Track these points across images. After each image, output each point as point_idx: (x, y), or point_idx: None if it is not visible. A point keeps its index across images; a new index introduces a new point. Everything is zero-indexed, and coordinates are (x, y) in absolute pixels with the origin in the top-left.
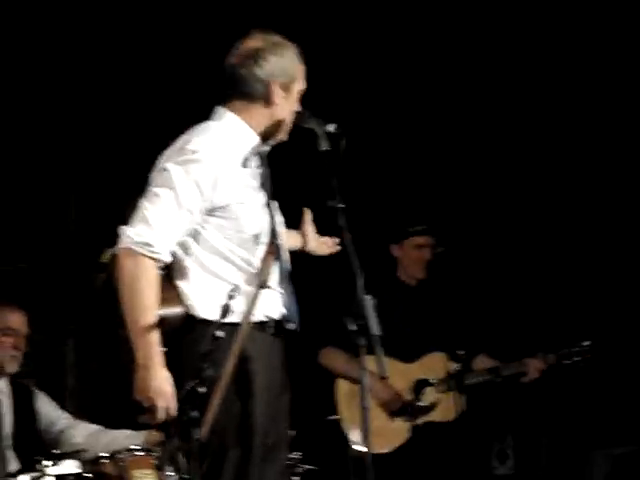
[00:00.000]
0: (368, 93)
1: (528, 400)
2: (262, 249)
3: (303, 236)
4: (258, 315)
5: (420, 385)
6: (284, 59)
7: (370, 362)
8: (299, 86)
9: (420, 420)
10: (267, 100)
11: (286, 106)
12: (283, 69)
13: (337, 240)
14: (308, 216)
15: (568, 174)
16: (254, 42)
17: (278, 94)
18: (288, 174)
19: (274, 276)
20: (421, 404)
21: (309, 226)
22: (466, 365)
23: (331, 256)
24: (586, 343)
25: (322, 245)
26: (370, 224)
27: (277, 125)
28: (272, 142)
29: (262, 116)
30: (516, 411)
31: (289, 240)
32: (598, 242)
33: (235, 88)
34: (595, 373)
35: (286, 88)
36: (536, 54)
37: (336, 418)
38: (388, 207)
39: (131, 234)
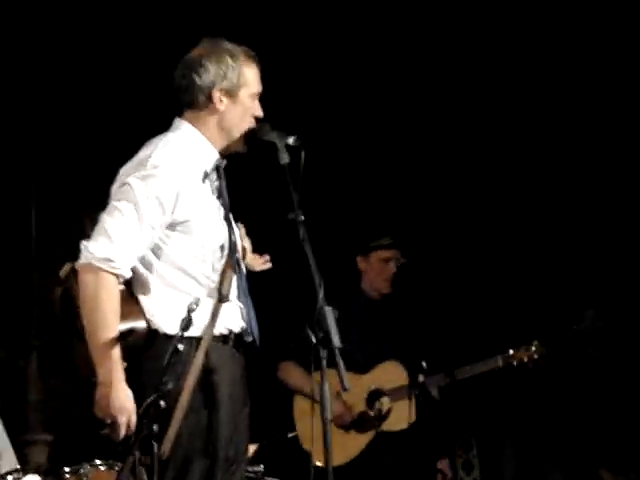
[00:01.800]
0: (330, 104)
1: (490, 407)
2: (222, 263)
3: (242, 250)
4: (219, 328)
5: (374, 395)
6: (224, 65)
7: (327, 375)
8: (249, 90)
9: (373, 431)
10: (211, 108)
11: (235, 113)
12: (224, 75)
13: (268, 257)
14: (243, 231)
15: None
16: (197, 50)
17: (221, 101)
18: (249, 187)
19: (233, 289)
20: (373, 414)
21: (245, 240)
22: (429, 375)
23: (294, 269)
24: (535, 343)
25: (255, 260)
26: (336, 236)
27: (229, 133)
28: (230, 152)
29: (212, 125)
30: (479, 418)
31: None
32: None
33: (182, 99)
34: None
35: (231, 94)
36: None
37: (295, 434)
38: (355, 219)
39: (92, 249)
